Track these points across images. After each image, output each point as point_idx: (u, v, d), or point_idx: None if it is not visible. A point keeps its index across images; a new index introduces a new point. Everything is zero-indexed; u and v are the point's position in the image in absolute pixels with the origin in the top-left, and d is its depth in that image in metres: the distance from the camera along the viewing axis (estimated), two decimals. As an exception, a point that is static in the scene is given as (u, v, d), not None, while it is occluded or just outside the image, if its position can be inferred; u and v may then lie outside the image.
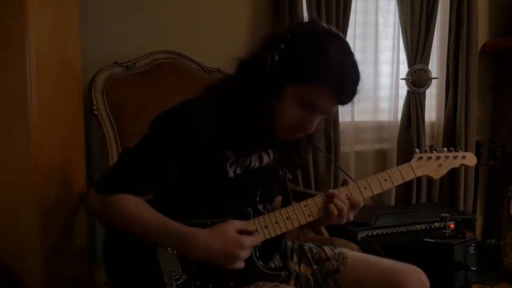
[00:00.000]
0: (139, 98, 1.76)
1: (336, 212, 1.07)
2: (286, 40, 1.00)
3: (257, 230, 1.06)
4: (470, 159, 1.21)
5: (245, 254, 1.00)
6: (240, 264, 1.01)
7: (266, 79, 1.00)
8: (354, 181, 1.14)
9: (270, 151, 1.17)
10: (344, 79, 1.00)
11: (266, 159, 1.15)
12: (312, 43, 1.00)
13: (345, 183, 1.13)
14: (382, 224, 2.00)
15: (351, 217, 1.10)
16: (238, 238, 1.00)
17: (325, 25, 1.05)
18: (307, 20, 1.17)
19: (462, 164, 1.20)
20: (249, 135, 1.05)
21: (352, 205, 1.09)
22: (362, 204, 1.10)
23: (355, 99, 1.06)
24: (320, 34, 1.02)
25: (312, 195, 1.12)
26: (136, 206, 1.01)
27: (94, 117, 1.69)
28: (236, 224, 1.02)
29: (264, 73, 1.00)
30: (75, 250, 1.62)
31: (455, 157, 1.19)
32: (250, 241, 1.01)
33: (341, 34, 1.07)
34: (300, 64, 0.99)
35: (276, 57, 0.99)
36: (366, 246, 1.79)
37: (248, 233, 1.03)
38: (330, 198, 1.09)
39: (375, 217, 2.02)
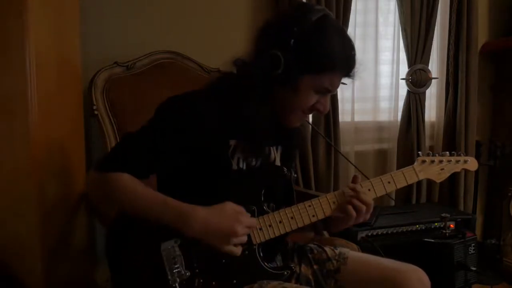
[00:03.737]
0: (139, 98, 1.76)
1: (354, 213, 1.09)
2: (294, 35, 1.01)
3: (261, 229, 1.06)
4: (472, 163, 1.22)
5: (242, 231, 1.00)
6: (236, 250, 1.01)
7: (280, 75, 1.02)
8: (365, 175, 1.15)
9: (273, 148, 1.18)
10: (349, 57, 1.06)
11: (267, 154, 1.16)
12: (318, 33, 1.02)
13: (354, 180, 1.14)
14: (382, 224, 2.00)
15: (367, 217, 1.11)
16: (236, 214, 1.01)
17: (316, 7, 1.08)
18: (298, 5, 1.17)
19: (463, 169, 1.22)
20: (256, 128, 1.06)
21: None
22: (371, 203, 1.11)
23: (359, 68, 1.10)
24: (320, 20, 1.03)
25: (312, 195, 1.13)
26: (135, 184, 1.02)
27: (94, 117, 1.69)
28: (233, 204, 1.02)
29: (277, 71, 1.02)
30: (75, 250, 1.62)
31: (457, 161, 1.20)
32: (247, 219, 1.02)
33: (326, 9, 1.09)
34: (313, 57, 1.02)
35: (288, 54, 1.01)
36: (366, 246, 1.79)
37: None
38: (350, 198, 1.10)
39: (375, 217, 2.02)
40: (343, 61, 1.05)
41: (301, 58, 1.01)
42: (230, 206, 1.02)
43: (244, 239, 1.02)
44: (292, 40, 1.01)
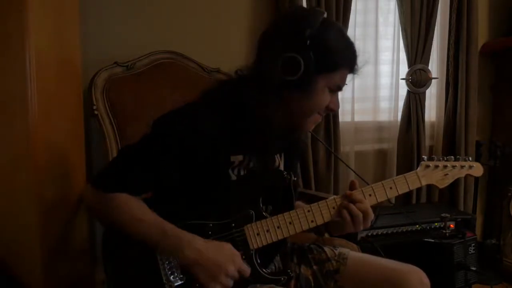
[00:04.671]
0: (139, 98, 1.76)
1: (349, 217, 1.07)
2: (308, 36, 1.01)
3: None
4: (477, 169, 1.19)
5: (233, 272, 0.98)
6: None
7: (296, 79, 1.01)
8: (364, 180, 1.13)
9: (277, 156, 1.16)
10: (354, 52, 1.08)
11: (273, 163, 1.14)
12: (328, 32, 1.04)
13: (352, 186, 1.12)
14: (382, 224, 2.00)
15: (367, 225, 1.10)
16: (232, 255, 0.99)
17: (316, 9, 1.09)
18: (298, 10, 1.16)
19: (468, 174, 1.18)
20: (267, 140, 1.04)
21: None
22: (368, 211, 1.08)
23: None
24: (325, 21, 1.05)
25: (311, 195, 1.12)
26: (133, 209, 1.01)
27: (94, 117, 1.69)
28: (232, 247, 1.01)
29: (296, 74, 1.01)
30: (75, 250, 1.62)
31: (462, 167, 1.17)
32: (241, 264, 1.00)
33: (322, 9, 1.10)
34: (327, 56, 1.02)
35: (306, 56, 1.00)
36: (366, 246, 1.78)
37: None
38: (346, 203, 1.08)
39: (375, 217, 2.02)
40: (350, 57, 1.07)
41: (317, 58, 1.01)
42: (228, 246, 1.01)
43: (230, 284, 0.99)
44: (308, 41, 1.01)
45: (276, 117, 1.03)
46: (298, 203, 1.22)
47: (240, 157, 1.06)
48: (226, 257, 0.99)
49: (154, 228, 0.99)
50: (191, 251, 0.98)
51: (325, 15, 1.06)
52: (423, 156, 1.19)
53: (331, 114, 2.19)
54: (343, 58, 1.05)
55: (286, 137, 1.12)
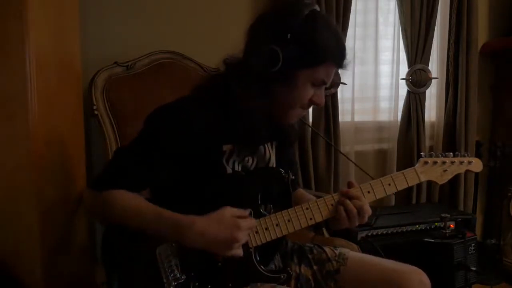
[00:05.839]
0: (139, 98, 1.76)
1: (344, 214, 1.07)
2: (290, 29, 1.00)
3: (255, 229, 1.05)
4: (476, 164, 1.19)
5: (243, 236, 0.99)
6: (239, 251, 1.00)
7: (278, 71, 1.01)
8: (367, 173, 1.13)
9: (268, 145, 1.17)
10: (342, 48, 1.06)
11: (262, 153, 1.15)
12: (312, 26, 1.01)
13: (350, 185, 1.12)
14: (382, 224, 2.00)
15: (364, 220, 1.09)
16: (235, 220, 0.99)
17: (306, 1, 1.06)
18: (285, 2, 1.11)
19: (467, 170, 1.18)
20: (253, 129, 1.05)
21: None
22: (363, 207, 1.08)
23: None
24: (311, 14, 1.03)
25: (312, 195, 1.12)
26: (131, 199, 1.01)
27: (94, 117, 1.69)
28: (231, 210, 1.01)
29: (275, 67, 1.00)
30: (75, 250, 1.62)
31: (461, 163, 1.17)
32: (246, 223, 1.00)
33: (314, 3, 1.09)
34: (309, 50, 1.01)
35: (286, 49, 1.00)
36: (366, 246, 1.78)
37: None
38: (343, 199, 1.08)
39: (375, 217, 2.02)
40: (337, 52, 1.05)
41: (298, 52, 1.00)
42: (228, 212, 1.00)
43: (246, 239, 1.01)
44: (289, 35, 1.00)
45: (258, 108, 1.04)
46: (301, 190, 1.21)
47: (230, 146, 1.07)
48: (229, 227, 0.98)
49: (151, 215, 0.99)
50: (195, 235, 0.97)
51: (316, 7, 1.04)
52: (421, 153, 1.19)
53: (331, 114, 2.19)
54: (327, 53, 1.03)
55: (273, 126, 1.12)
